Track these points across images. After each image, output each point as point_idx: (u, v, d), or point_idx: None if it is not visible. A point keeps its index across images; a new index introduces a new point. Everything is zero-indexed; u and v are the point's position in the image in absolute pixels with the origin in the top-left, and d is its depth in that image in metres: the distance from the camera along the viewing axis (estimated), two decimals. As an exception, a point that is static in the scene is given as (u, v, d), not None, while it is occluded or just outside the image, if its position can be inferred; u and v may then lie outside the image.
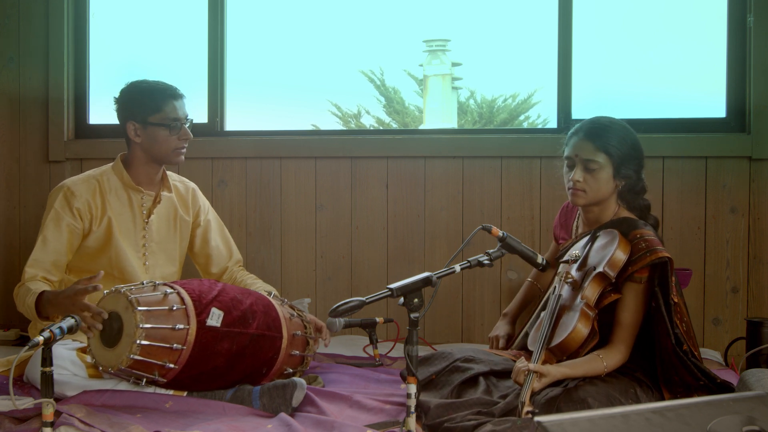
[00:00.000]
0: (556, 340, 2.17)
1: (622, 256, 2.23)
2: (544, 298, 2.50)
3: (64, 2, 3.57)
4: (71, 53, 3.61)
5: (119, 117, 2.75)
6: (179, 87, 2.77)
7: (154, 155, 2.71)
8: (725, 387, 2.24)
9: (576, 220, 2.55)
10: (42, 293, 2.42)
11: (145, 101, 2.68)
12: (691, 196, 3.18)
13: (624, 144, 2.34)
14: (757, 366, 2.66)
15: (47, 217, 2.64)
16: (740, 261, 3.14)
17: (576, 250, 2.38)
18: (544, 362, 2.17)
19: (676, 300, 2.23)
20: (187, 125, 2.74)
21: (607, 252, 2.23)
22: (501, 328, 2.72)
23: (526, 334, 2.55)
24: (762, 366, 2.66)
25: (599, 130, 2.35)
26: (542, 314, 2.33)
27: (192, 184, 2.95)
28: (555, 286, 2.34)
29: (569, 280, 2.29)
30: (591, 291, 2.21)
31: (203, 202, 2.96)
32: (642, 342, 2.32)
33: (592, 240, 2.35)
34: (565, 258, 2.40)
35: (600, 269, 2.21)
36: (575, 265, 2.32)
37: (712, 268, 3.16)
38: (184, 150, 2.75)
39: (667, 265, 2.20)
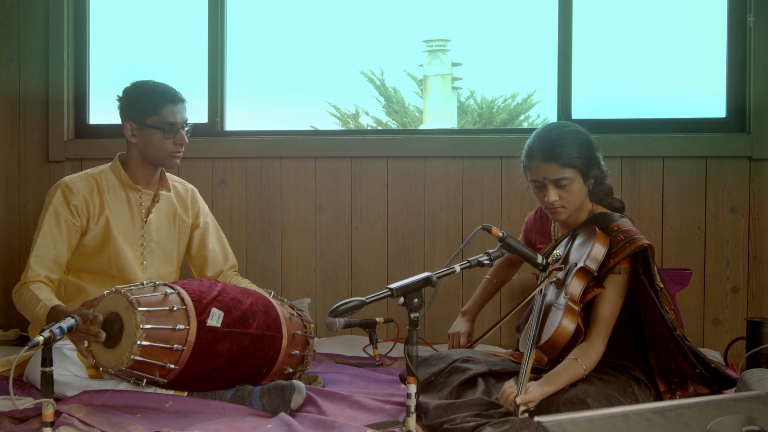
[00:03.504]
0: (545, 338, 2.18)
1: (602, 249, 2.24)
2: (531, 302, 2.50)
3: (64, 2, 3.57)
4: (71, 53, 3.61)
5: (120, 115, 2.75)
6: (180, 88, 2.75)
7: (149, 157, 2.71)
8: (720, 375, 2.25)
9: (553, 223, 2.56)
10: (53, 308, 2.42)
11: (144, 102, 2.68)
12: (691, 196, 3.18)
13: (582, 149, 2.33)
14: (757, 366, 2.66)
15: (46, 214, 2.64)
16: (740, 261, 3.15)
17: (558, 250, 2.39)
18: (536, 361, 2.18)
19: (661, 286, 2.25)
20: (186, 129, 2.72)
21: (587, 247, 2.24)
22: (461, 326, 2.71)
23: (518, 341, 2.58)
24: (762, 366, 2.66)
25: (555, 148, 2.31)
26: (530, 317, 2.35)
27: (191, 186, 2.95)
28: (541, 288, 2.35)
29: (553, 279, 2.30)
30: (574, 287, 2.22)
31: (202, 204, 2.96)
32: (636, 339, 2.33)
33: (572, 238, 2.37)
34: (548, 259, 2.41)
35: (581, 264, 2.22)
36: (558, 265, 2.33)
37: (712, 268, 3.16)
38: (179, 155, 2.72)
39: (647, 251, 2.22)
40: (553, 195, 2.32)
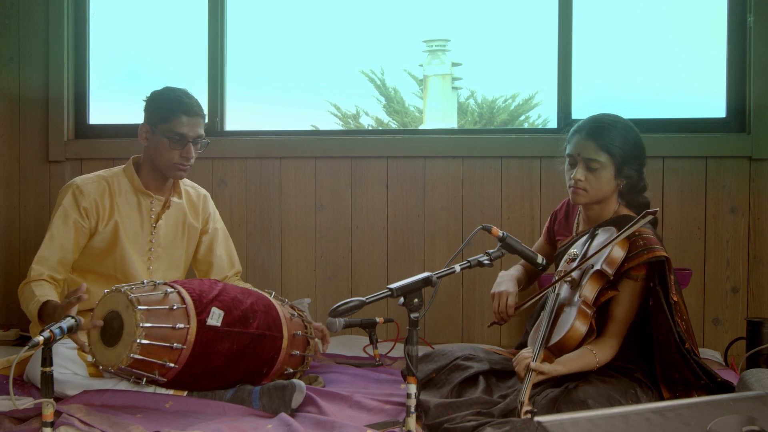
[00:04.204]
0: (555, 339, 2.17)
1: (620, 254, 2.22)
2: (544, 299, 2.49)
3: (64, 2, 3.57)
4: (71, 53, 3.61)
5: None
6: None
7: (155, 163, 2.71)
8: (725, 386, 2.24)
9: (577, 217, 2.55)
10: (45, 304, 2.43)
11: (160, 108, 2.67)
12: (691, 196, 3.18)
13: (627, 143, 2.33)
14: (757, 366, 2.66)
15: (55, 214, 2.65)
16: (740, 261, 3.14)
17: (575, 249, 2.38)
18: (543, 361, 2.17)
19: (675, 299, 2.23)
20: (199, 145, 2.69)
21: (606, 249, 2.23)
22: (507, 284, 2.47)
23: (527, 333, 2.55)
24: (762, 366, 2.66)
25: (602, 129, 2.33)
26: (542, 314, 2.33)
27: (204, 191, 2.94)
28: (555, 286, 2.34)
29: (568, 279, 2.29)
30: (589, 289, 2.20)
31: (213, 210, 2.95)
32: (641, 341, 2.32)
33: (591, 238, 2.35)
34: (564, 257, 2.40)
35: (598, 267, 2.21)
36: (574, 264, 2.32)
37: (712, 268, 3.16)
38: (184, 167, 2.69)
39: (664, 264, 2.20)
40: (580, 173, 2.32)
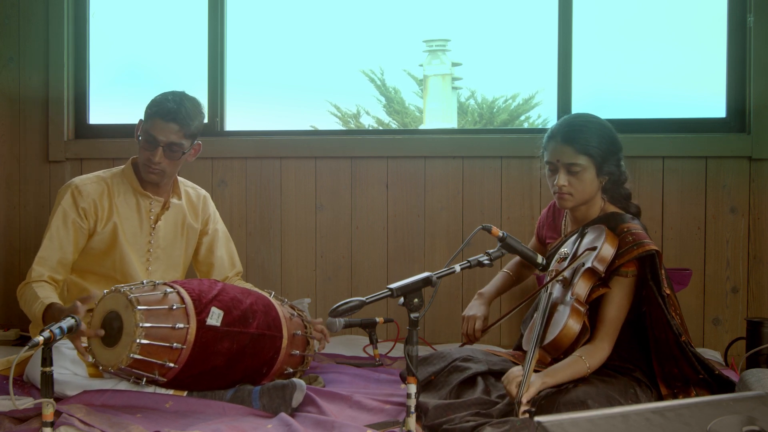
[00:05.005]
0: (549, 338, 2.18)
1: (610, 251, 2.23)
2: (537, 299, 2.50)
3: (64, 2, 3.57)
4: (71, 53, 3.61)
5: None
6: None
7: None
8: (723, 380, 2.24)
9: (564, 218, 2.56)
10: (49, 306, 2.42)
11: (148, 106, 2.68)
12: (691, 196, 3.18)
13: (603, 141, 2.33)
14: (757, 366, 2.66)
15: (54, 215, 2.65)
16: (740, 261, 3.14)
17: (565, 248, 2.38)
18: (539, 361, 2.18)
19: (668, 292, 2.24)
20: (173, 152, 2.63)
21: (596, 247, 2.23)
22: (477, 308, 2.58)
23: (522, 336, 2.56)
24: (762, 366, 2.66)
25: (576, 132, 2.32)
26: (535, 314, 2.34)
27: (204, 192, 2.94)
28: (547, 286, 2.35)
29: (560, 278, 2.30)
30: (581, 287, 2.21)
31: (213, 211, 2.95)
32: (638, 340, 2.32)
33: (581, 237, 2.36)
34: (555, 257, 2.41)
35: (589, 264, 2.22)
36: (565, 263, 2.33)
37: (712, 268, 3.16)
38: (153, 171, 2.65)
39: (655, 258, 2.21)
40: (562, 179, 2.33)
